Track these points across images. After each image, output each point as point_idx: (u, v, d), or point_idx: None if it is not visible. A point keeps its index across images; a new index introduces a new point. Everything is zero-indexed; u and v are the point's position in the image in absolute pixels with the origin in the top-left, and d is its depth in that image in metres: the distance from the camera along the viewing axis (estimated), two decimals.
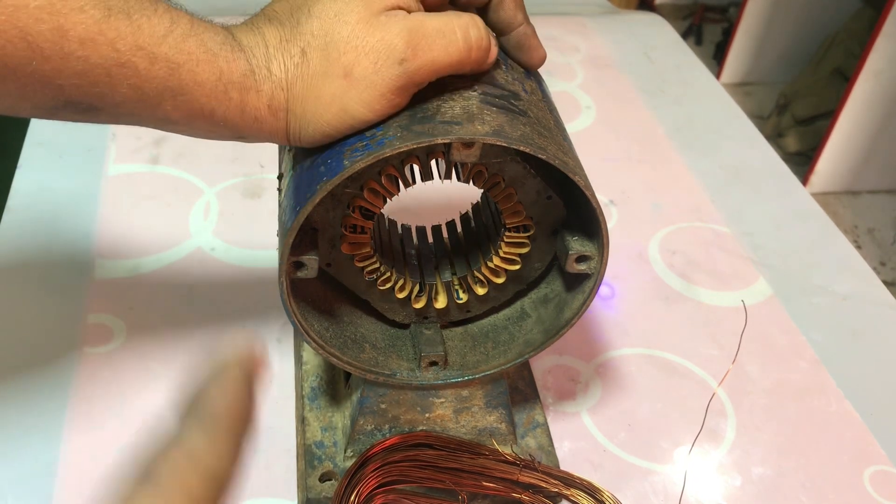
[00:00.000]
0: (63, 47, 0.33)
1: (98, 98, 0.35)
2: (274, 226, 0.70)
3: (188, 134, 0.40)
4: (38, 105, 0.36)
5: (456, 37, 0.38)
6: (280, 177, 0.47)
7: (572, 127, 0.91)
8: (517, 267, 0.48)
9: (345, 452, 0.53)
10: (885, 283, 0.77)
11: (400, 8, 0.39)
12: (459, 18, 0.39)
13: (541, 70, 0.48)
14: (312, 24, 0.38)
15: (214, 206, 0.75)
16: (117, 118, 0.37)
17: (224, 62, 0.37)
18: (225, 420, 0.24)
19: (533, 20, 0.45)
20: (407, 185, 0.44)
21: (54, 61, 0.33)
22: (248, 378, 0.25)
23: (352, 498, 0.49)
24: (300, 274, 0.43)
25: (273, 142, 0.41)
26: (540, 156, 0.40)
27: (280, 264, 0.42)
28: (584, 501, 0.53)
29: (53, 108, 0.36)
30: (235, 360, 0.25)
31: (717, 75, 2.50)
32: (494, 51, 0.41)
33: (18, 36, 0.32)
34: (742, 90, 2.55)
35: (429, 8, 0.41)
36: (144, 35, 0.35)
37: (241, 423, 0.24)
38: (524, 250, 0.47)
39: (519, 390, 0.59)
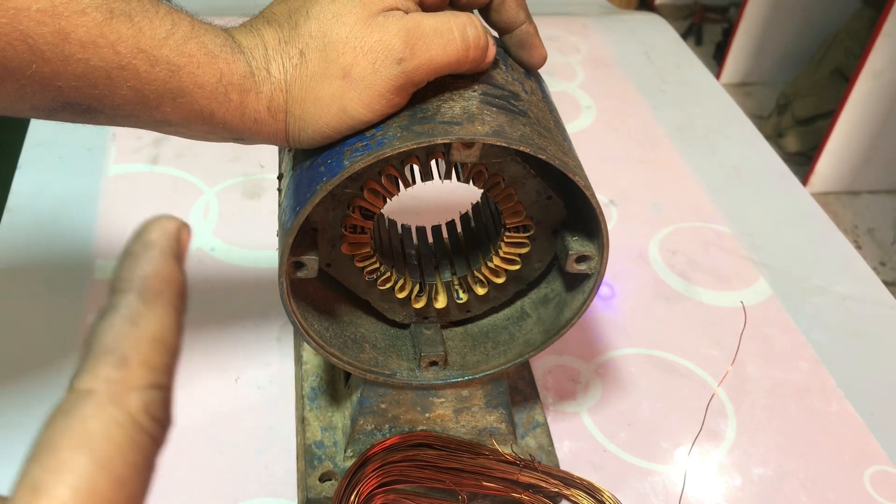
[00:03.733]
0: (64, 50, 0.33)
1: (97, 100, 0.35)
2: (274, 226, 0.70)
3: (186, 136, 0.40)
4: (36, 106, 0.36)
5: (453, 36, 0.39)
6: (280, 177, 0.47)
7: (572, 127, 0.91)
8: (517, 267, 0.48)
9: (345, 452, 0.53)
10: (885, 283, 0.77)
11: (397, 9, 0.39)
12: (457, 18, 0.39)
13: (541, 70, 0.48)
14: (311, 25, 0.38)
15: (214, 206, 0.75)
16: (116, 120, 0.37)
17: (224, 64, 0.37)
18: (157, 287, 0.23)
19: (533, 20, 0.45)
20: (407, 185, 0.44)
21: (54, 64, 0.33)
22: (175, 246, 0.24)
23: (352, 498, 0.49)
24: (300, 274, 0.43)
25: (272, 143, 0.41)
26: (540, 156, 0.40)
27: (280, 264, 0.42)
28: (584, 501, 0.53)
29: (52, 109, 0.36)
30: (160, 230, 0.24)
31: (717, 75, 2.50)
32: (492, 50, 0.41)
33: (19, 39, 0.32)
34: (742, 90, 2.55)
35: (427, 8, 0.41)
36: (146, 38, 0.35)
37: (174, 290, 0.23)
38: (524, 250, 0.47)
39: (519, 390, 0.59)
